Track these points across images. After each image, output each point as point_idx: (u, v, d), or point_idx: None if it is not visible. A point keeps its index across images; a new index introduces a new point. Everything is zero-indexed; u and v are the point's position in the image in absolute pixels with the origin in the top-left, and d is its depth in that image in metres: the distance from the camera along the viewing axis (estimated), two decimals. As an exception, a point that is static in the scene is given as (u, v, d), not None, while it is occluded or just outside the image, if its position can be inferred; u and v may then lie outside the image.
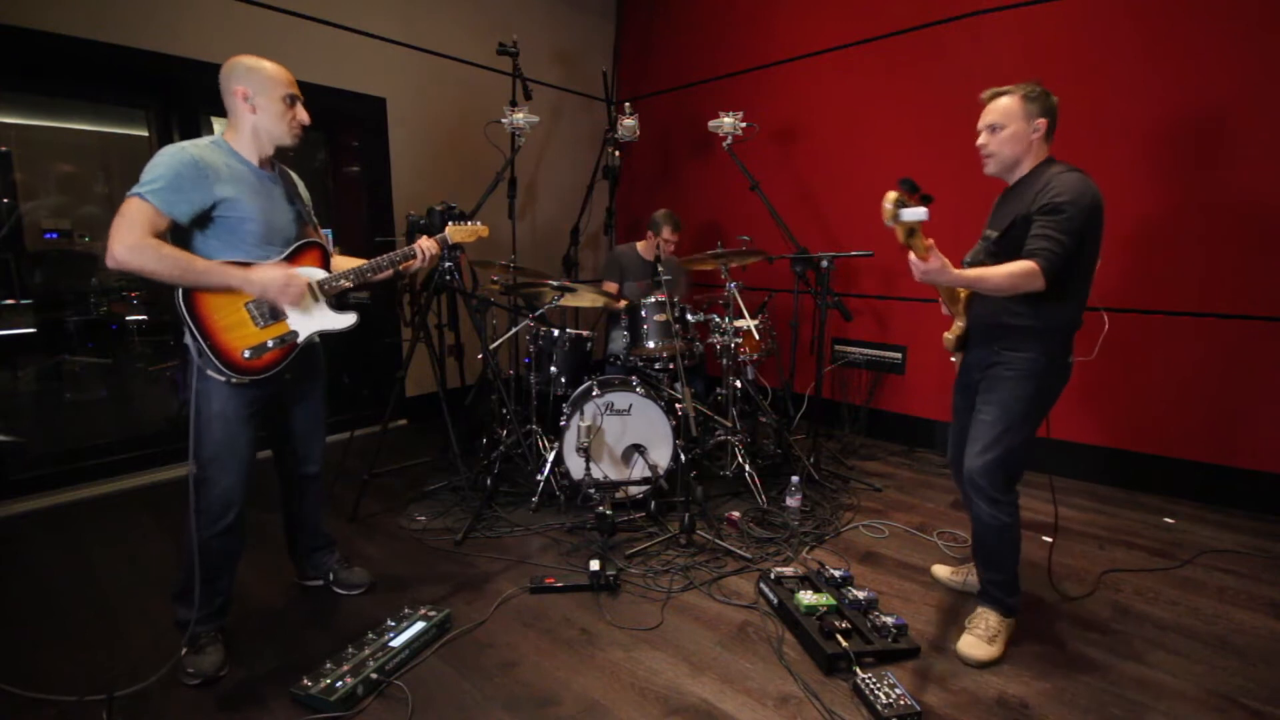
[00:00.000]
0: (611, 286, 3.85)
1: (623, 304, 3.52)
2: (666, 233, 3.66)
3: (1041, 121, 1.86)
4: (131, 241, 1.55)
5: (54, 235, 3.12)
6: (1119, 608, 2.18)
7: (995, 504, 1.90)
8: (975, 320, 2.04)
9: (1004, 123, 1.88)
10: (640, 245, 3.87)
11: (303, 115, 1.84)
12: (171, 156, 1.64)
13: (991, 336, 1.96)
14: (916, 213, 1.59)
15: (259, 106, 1.76)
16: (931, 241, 1.70)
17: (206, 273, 1.65)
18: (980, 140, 1.94)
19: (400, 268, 2.03)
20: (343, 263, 1.98)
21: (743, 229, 3.87)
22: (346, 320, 1.92)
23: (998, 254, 1.90)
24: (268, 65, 1.78)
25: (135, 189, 1.59)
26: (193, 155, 1.66)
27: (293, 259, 1.83)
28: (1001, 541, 1.93)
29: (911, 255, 1.71)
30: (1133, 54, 3.03)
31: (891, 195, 1.59)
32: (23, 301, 3.01)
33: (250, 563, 2.22)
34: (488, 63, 4.39)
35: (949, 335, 2.15)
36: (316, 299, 1.87)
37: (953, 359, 2.21)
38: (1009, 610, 1.96)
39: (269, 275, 1.73)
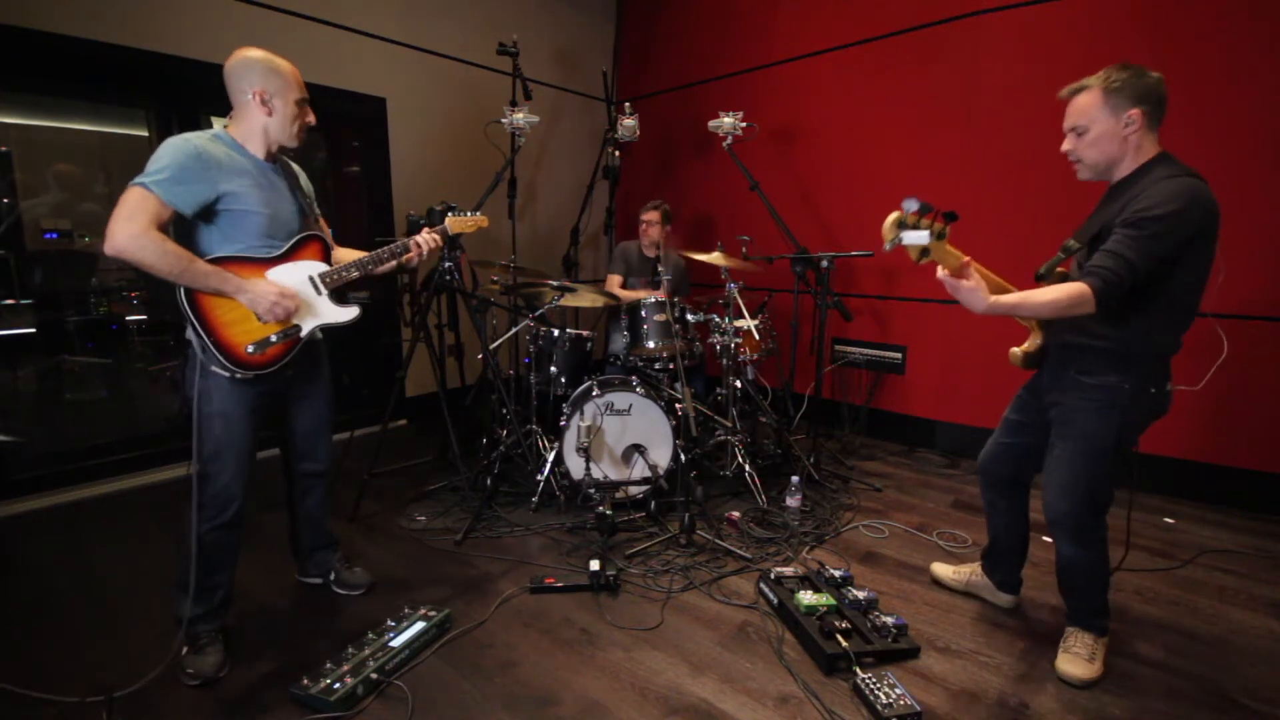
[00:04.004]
0: (614, 280, 3.86)
1: (625, 295, 3.53)
2: (644, 215, 3.71)
3: (1134, 113, 1.58)
4: (134, 230, 1.54)
5: (54, 235, 3.12)
6: (1119, 608, 2.18)
7: (1082, 541, 1.79)
8: (1050, 336, 1.84)
9: (1086, 124, 1.63)
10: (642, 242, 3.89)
11: (310, 118, 1.86)
12: (176, 148, 1.64)
13: (1065, 358, 1.77)
14: (918, 236, 1.47)
15: (275, 109, 1.77)
16: (968, 259, 1.56)
17: (205, 275, 1.65)
18: (1064, 146, 1.71)
19: (402, 260, 2.04)
20: (344, 255, 1.98)
21: (743, 229, 3.87)
22: (349, 313, 1.93)
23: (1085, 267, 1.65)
24: (284, 66, 1.79)
25: (139, 178, 1.59)
26: (197, 147, 1.66)
27: (294, 252, 1.83)
28: (1090, 575, 1.84)
29: (941, 271, 1.55)
30: (1133, 53, 3.03)
31: (892, 216, 1.46)
32: (23, 301, 3.01)
33: (250, 562, 2.22)
34: (488, 63, 4.39)
35: (1016, 351, 1.94)
36: (319, 293, 1.87)
37: None
38: (1102, 630, 1.88)
39: (261, 290, 1.72)
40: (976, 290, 1.55)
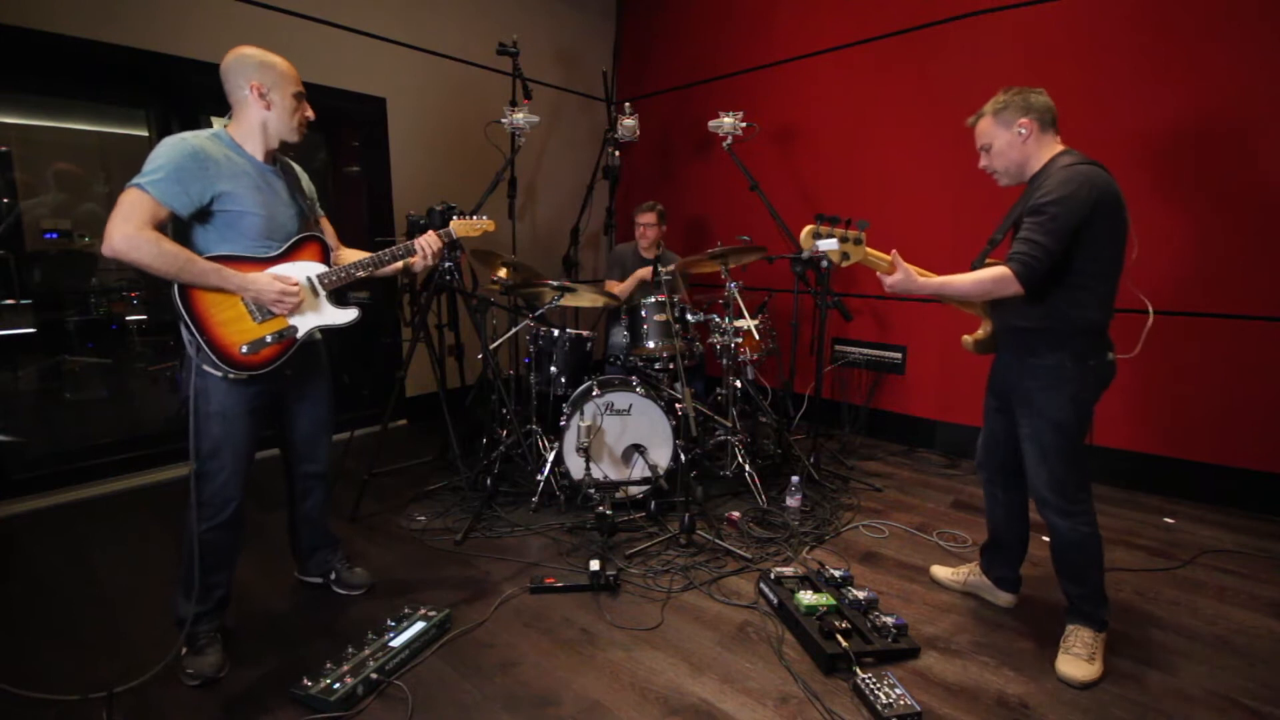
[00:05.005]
0: (614, 285, 3.86)
1: (625, 286, 3.54)
2: (640, 217, 3.71)
3: (1024, 121, 1.82)
4: (129, 231, 1.54)
5: (54, 235, 3.12)
6: (1119, 608, 2.17)
7: (1070, 515, 1.82)
8: (996, 323, 1.99)
9: (988, 142, 1.90)
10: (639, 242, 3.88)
11: (309, 112, 1.85)
12: (173, 148, 1.63)
13: (1013, 341, 1.91)
14: (828, 243, 1.83)
15: (273, 103, 1.76)
16: (894, 253, 1.83)
17: (204, 274, 1.65)
18: (981, 164, 1.96)
19: (406, 262, 2.02)
20: (345, 257, 1.97)
21: (743, 229, 3.87)
22: (347, 315, 1.92)
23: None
24: (279, 61, 1.78)
25: (135, 179, 1.59)
26: (194, 147, 1.65)
27: (292, 253, 1.83)
28: (1083, 553, 1.85)
29: (877, 272, 1.82)
30: (1132, 52, 3.03)
31: (807, 228, 1.81)
32: (23, 301, 3.01)
33: (250, 562, 2.22)
34: (488, 63, 4.39)
35: (968, 338, 2.09)
36: (317, 294, 1.87)
37: None
38: (1101, 624, 1.87)
39: (264, 283, 1.72)
40: (909, 279, 1.83)
